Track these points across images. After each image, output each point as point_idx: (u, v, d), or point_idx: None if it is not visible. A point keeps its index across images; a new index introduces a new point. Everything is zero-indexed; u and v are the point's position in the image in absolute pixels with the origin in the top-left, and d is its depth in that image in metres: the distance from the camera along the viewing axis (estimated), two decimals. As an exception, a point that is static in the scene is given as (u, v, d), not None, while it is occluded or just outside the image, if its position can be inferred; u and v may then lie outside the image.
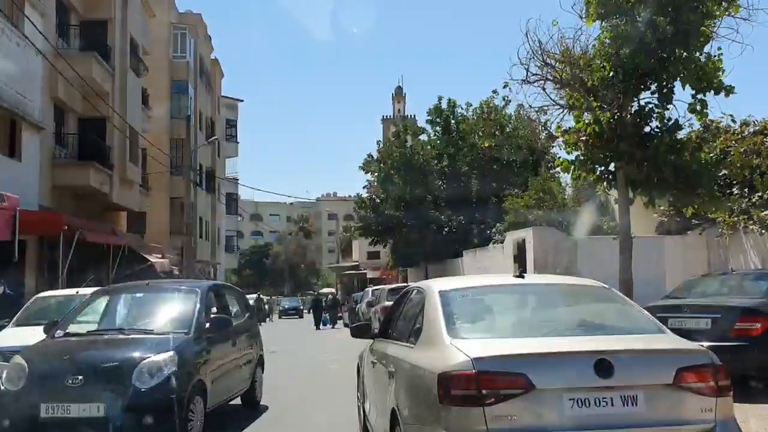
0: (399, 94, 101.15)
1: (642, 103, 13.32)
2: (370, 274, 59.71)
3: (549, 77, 13.42)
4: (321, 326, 32.14)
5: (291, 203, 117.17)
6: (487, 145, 26.75)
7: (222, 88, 55.08)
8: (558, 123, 14.20)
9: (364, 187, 31.81)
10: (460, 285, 5.02)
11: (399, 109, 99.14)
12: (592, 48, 13.58)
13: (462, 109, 28.12)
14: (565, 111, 14.27)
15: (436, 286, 4.92)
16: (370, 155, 31.51)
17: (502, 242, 20.19)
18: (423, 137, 28.92)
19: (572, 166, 13.87)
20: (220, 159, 51.69)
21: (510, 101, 28.06)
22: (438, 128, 28.36)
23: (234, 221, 60.92)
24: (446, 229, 25.73)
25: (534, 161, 27.28)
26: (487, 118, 27.74)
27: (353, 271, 66.94)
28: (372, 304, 22.62)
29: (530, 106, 14.01)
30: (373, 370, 5.79)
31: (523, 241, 17.71)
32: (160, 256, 24.95)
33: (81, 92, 20.58)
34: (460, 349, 3.88)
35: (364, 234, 33.07)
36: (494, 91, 28.19)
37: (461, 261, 24.04)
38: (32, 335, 9.72)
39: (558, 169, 26.73)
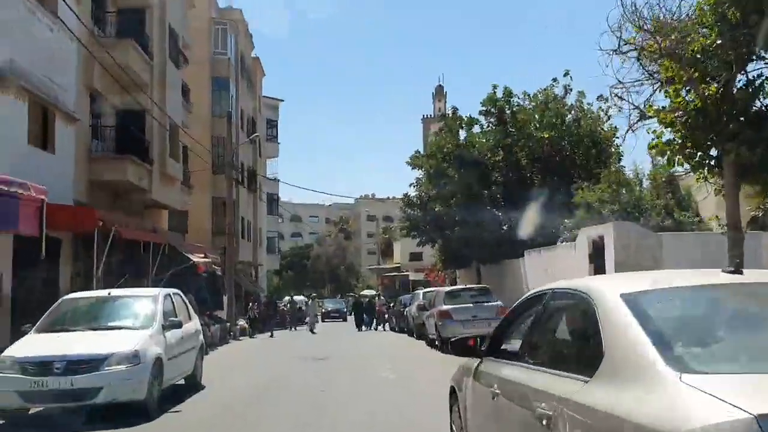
0: (440, 93, 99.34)
1: (752, 75, 11.52)
2: (412, 276, 58.18)
3: (644, 46, 11.64)
4: (362, 328, 33.33)
5: (329, 205, 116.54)
6: (547, 136, 24.95)
7: (263, 88, 54.17)
8: (649, 102, 12.45)
9: (411, 185, 30.13)
10: (647, 286, 3.32)
11: (440, 108, 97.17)
12: (687, 17, 11.80)
13: (519, 98, 26.28)
14: (656, 88, 12.51)
15: (608, 287, 3.29)
16: (417, 151, 29.93)
17: (573, 240, 18.35)
18: (475, 129, 27.14)
19: (668, 150, 12.07)
20: (261, 159, 50.73)
21: (571, 90, 26.28)
22: (492, 119, 26.55)
23: (275, 222, 60.02)
24: (505, 227, 23.93)
25: (598, 153, 25.35)
26: (546, 108, 25.89)
27: (395, 273, 65.57)
28: (425, 308, 20.94)
29: (620, 81, 12.27)
30: (493, 405, 4.14)
31: (601, 238, 15.86)
32: (202, 255, 23.75)
33: (118, 82, 19.49)
34: (715, 395, 2.24)
35: (410, 234, 31.40)
36: (554, 80, 26.36)
37: (522, 262, 22.23)
38: (53, 343, 8.38)
39: (622, 163, 24.76)
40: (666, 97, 12.13)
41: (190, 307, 11.70)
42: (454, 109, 27.09)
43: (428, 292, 23.99)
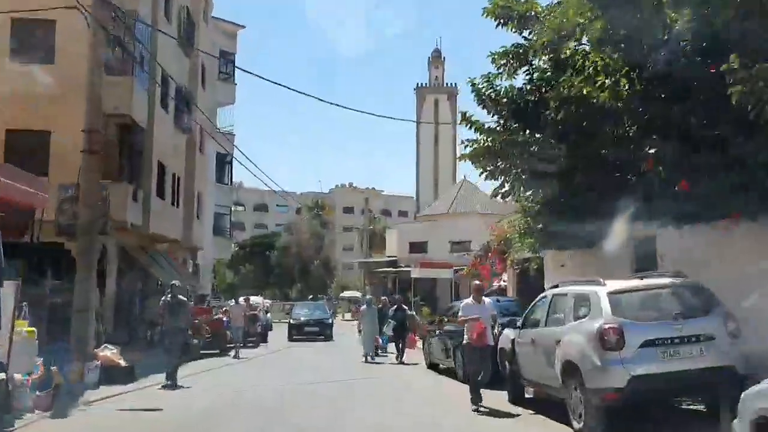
0: (437, 59, 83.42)
1: None
2: (415, 273, 41.75)
3: None
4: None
5: (301, 194, 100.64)
6: None
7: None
8: None
9: (490, 73, 13.83)
10: None
11: (437, 77, 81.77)
12: None
13: None
14: None
15: None
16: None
17: None
18: None
19: None
20: (206, 93, 34.17)
21: None
22: None
23: (227, 194, 43.23)
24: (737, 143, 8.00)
25: None
26: None
27: (390, 269, 49.05)
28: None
29: None
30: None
31: None
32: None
33: None
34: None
35: (478, 161, 14.79)
36: None
37: None
38: None
39: None
40: None
41: None
42: None
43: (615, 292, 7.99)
